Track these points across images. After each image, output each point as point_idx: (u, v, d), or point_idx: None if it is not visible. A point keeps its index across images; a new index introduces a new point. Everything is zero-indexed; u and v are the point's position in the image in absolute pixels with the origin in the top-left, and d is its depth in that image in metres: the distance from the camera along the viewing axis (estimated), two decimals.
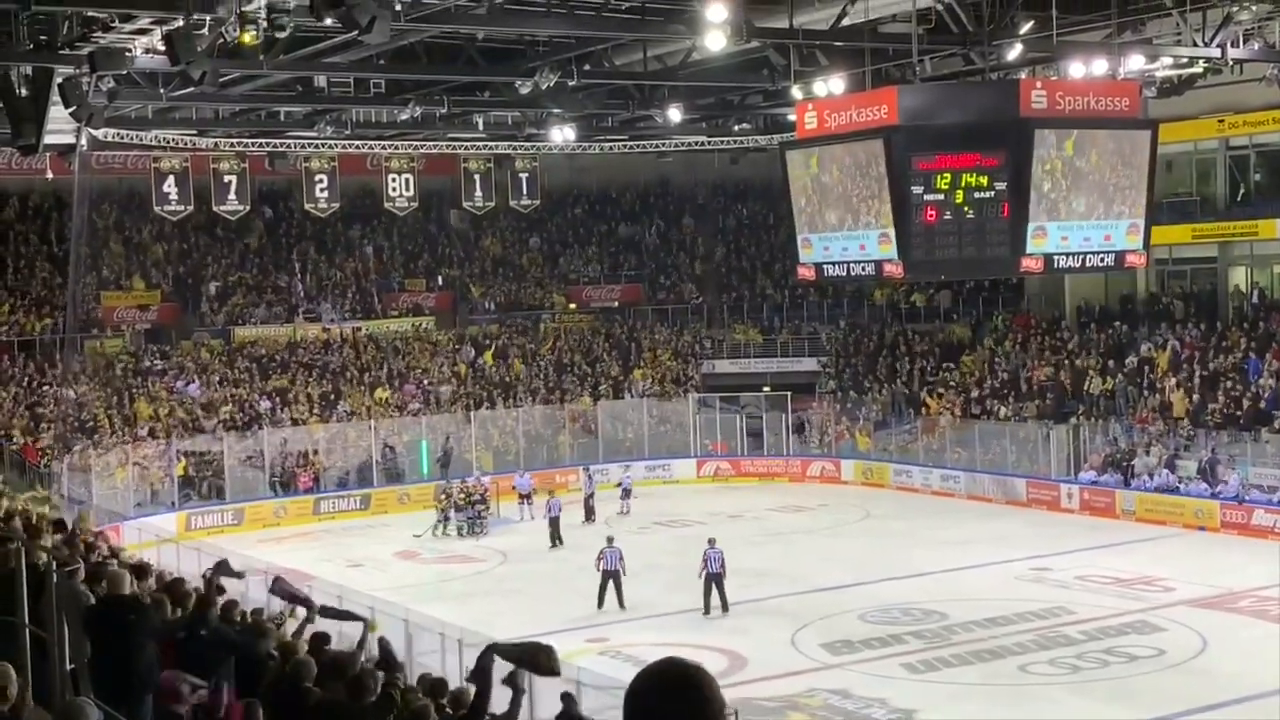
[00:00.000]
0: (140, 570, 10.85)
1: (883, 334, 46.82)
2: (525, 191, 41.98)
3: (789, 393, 43.67)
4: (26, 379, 39.46)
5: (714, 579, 25.32)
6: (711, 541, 25.73)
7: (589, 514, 36.13)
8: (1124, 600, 25.91)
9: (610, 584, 26.01)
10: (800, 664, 22.59)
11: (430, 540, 34.38)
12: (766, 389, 44.57)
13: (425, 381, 44.36)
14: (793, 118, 30.10)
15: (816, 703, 20.50)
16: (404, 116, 31.63)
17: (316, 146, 36.76)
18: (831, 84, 25.58)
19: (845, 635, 24.17)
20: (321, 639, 9.30)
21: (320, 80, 29.26)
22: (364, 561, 32.07)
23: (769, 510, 37.16)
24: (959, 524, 34.00)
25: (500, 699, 8.85)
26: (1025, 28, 23.47)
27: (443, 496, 35.91)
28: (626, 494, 37.82)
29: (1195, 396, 36.39)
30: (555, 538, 33.05)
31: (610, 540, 26.64)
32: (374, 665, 8.32)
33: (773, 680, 21.56)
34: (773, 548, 31.46)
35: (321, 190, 38.89)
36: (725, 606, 25.38)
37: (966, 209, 21.20)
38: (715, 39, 21.21)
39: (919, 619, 25.02)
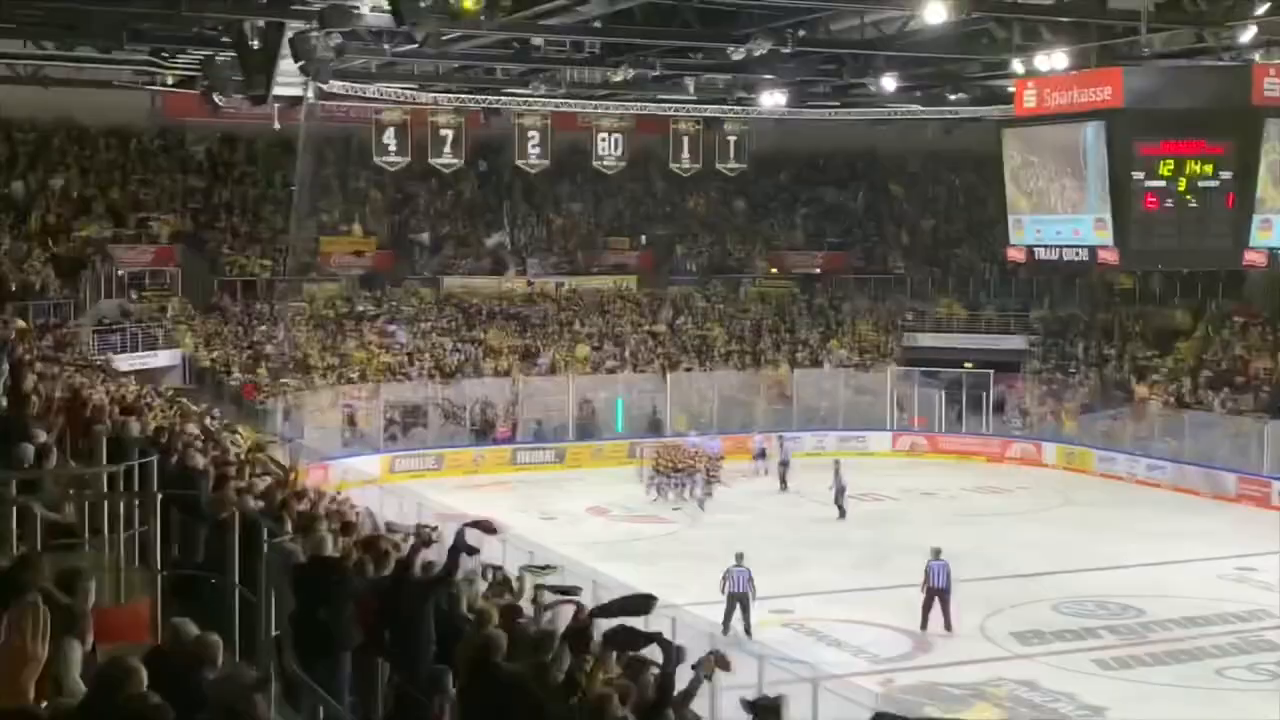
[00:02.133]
0: (346, 528, 11.24)
1: (1093, 315, 45.49)
2: (733, 154, 41.92)
3: (992, 370, 42.83)
4: (248, 318, 41.09)
5: (938, 594, 22.93)
6: (936, 552, 23.26)
7: (783, 483, 36.10)
8: None
9: (737, 608, 22.57)
10: (988, 651, 22.30)
11: (696, 510, 33.94)
12: (969, 365, 43.79)
13: (625, 340, 44.80)
14: (1012, 89, 29.36)
15: (1002, 693, 20.22)
16: (617, 78, 31.82)
17: (530, 104, 37.27)
18: (1054, 59, 24.81)
19: (1037, 625, 23.75)
20: (515, 610, 9.55)
21: (537, 40, 29.59)
22: (556, 515, 32.65)
23: (965, 490, 36.61)
24: (1162, 516, 32.97)
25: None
26: (1262, 9, 22.41)
27: (688, 461, 35.64)
28: (784, 465, 36.99)
29: None
30: (840, 507, 32.78)
31: (739, 558, 22.96)
32: (565, 640, 8.47)
33: (959, 666, 21.34)
34: (966, 529, 30.96)
35: (533, 147, 39.44)
36: (948, 624, 22.93)
37: (1189, 197, 20.38)
38: (935, 11, 20.80)
39: (1115, 613, 24.43)
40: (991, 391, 42.57)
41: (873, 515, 33.24)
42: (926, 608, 23.04)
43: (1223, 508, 34.50)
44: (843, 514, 32.84)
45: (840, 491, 33.07)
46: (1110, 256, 21.98)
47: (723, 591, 22.62)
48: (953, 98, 36.33)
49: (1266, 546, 29.27)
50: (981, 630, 23.40)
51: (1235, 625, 23.65)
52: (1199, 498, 35.58)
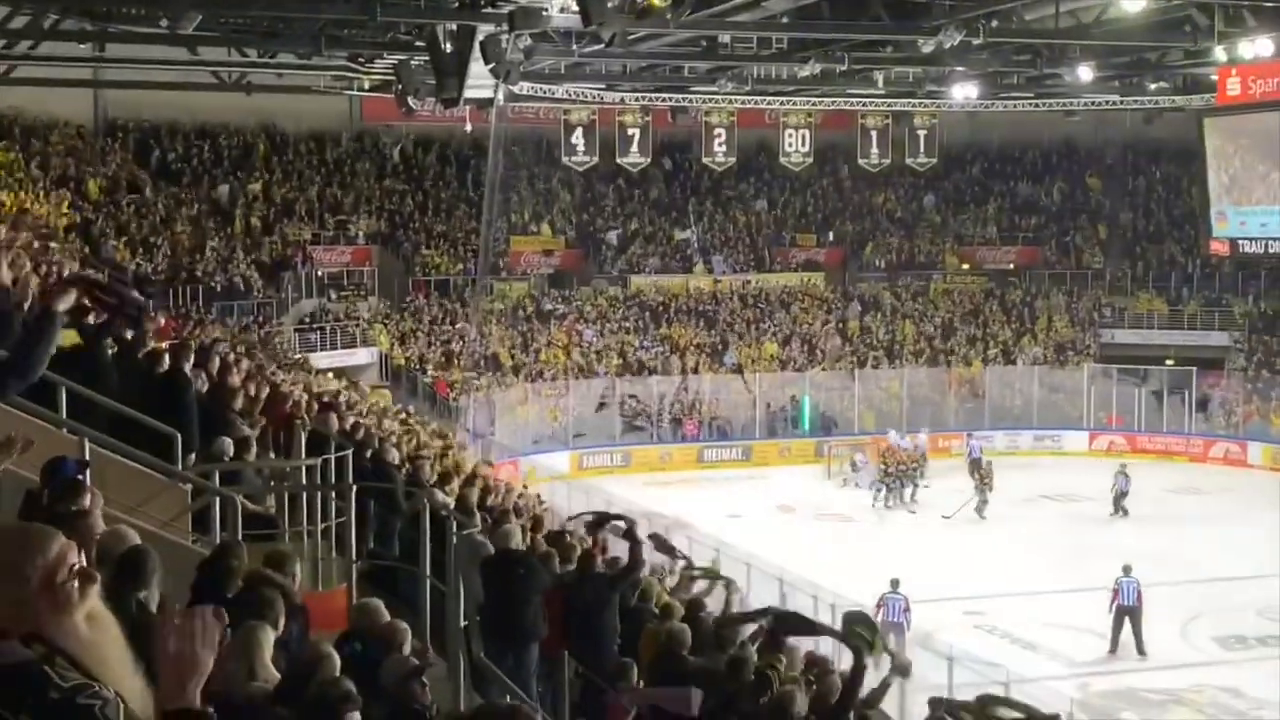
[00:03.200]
0: (537, 522, 11.40)
1: None
2: (922, 149, 41.40)
3: (1194, 368, 41.41)
4: (440, 316, 41.99)
5: (1128, 613, 21.77)
6: (1126, 569, 22.06)
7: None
8: None
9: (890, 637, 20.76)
10: (1189, 657, 21.60)
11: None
12: (1169, 362, 42.42)
13: (812, 337, 44.53)
14: (1215, 77, 28.36)
15: (1204, 699, 19.58)
16: (804, 73, 31.68)
17: (717, 101, 37.32)
18: (1259, 45, 23.90)
19: (1240, 630, 22.92)
20: (698, 605, 9.57)
21: (724, 37, 29.63)
22: (742, 513, 32.57)
23: (1165, 491, 35.38)
24: None
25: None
26: None
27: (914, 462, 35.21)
28: (974, 462, 35.65)
29: None
30: (1122, 509, 32.35)
31: (895, 585, 21.55)
32: (756, 638, 8.48)
33: (1158, 671, 20.70)
34: (1167, 530, 30.01)
35: (720, 144, 39.55)
36: (1140, 648, 21.70)
37: None
38: None
39: None
40: (1194, 389, 41.14)
41: (1070, 516, 32.41)
42: (1116, 628, 21.92)
43: None
44: (1121, 511, 32.38)
45: (1122, 494, 32.48)
46: None
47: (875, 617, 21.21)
48: (1153, 87, 35.28)
49: None
50: (1182, 634, 22.65)
51: None
52: None
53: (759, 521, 31.59)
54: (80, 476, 6.21)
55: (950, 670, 15.82)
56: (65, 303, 5.50)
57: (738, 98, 36.49)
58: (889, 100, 38.40)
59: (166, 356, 10.42)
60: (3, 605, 2.72)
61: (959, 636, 21.43)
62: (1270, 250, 22.40)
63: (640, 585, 9.74)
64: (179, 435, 8.90)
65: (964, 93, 35.31)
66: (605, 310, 44.33)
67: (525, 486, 23.45)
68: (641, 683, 7.84)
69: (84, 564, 2.81)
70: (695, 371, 42.08)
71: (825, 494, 35.24)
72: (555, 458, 37.03)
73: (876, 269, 48.60)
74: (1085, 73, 31.30)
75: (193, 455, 9.29)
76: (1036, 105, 38.66)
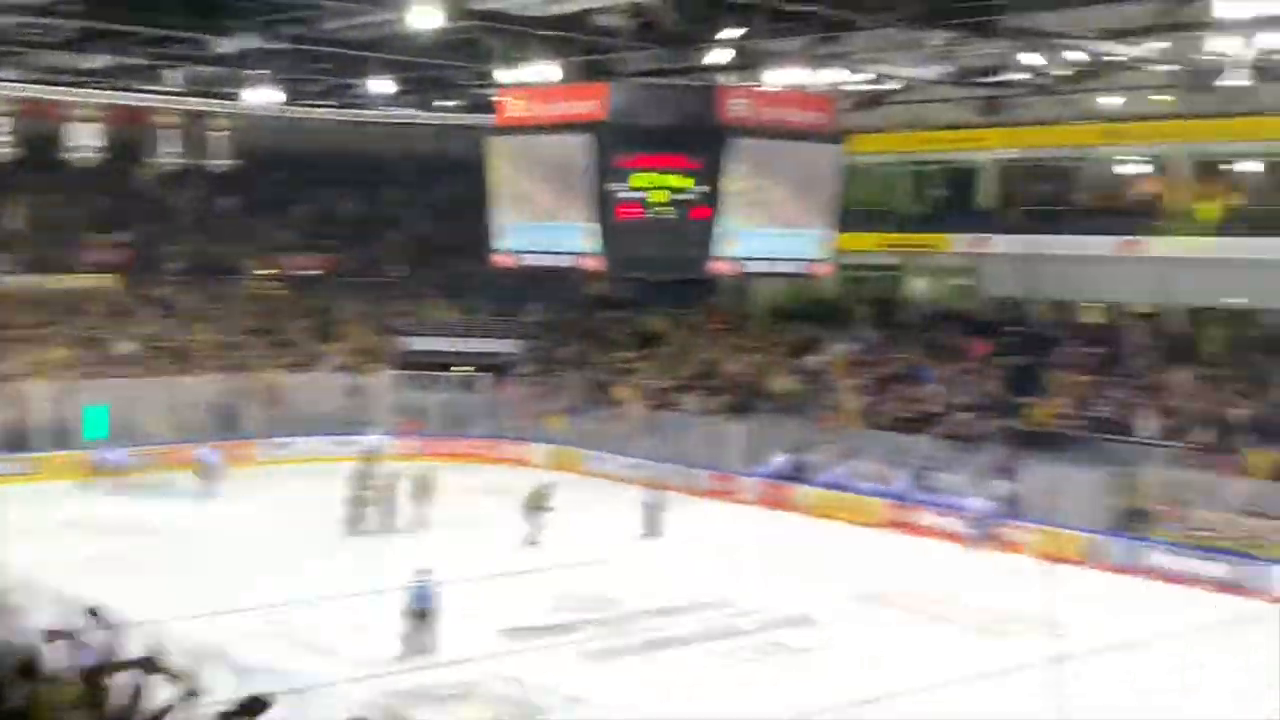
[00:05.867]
0: None
1: (581, 320, 47.32)
2: (222, 151, 40.70)
3: (487, 373, 44.11)
4: None
5: (423, 614, 22.07)
6: (423, 572, 22.43)
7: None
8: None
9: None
10: (478, 650, 22.43)
11: None
12: (470, 369, 44.89)
13: (106, 342, 42.40)
14: (499, 98, 29.94)
15: (491, 690, 20.47)
16: (93, 65, 30.23)
17: None
18: (541, 70, 25.56)
19: (530, 620, 24.26)
20: None
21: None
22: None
23: (470, 491, 36.56)
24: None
25: None
26: (729, 34, 24.00)
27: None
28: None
29: (869, 399, 38.03)
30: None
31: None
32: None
33: (448, 667, 21.42)
34: (466, 529, 31.28)
35: (2, 135, 36.79)
36: (430, 647, 22.11)
37: (662, 209, 21.59)
38: (424, 16, 20.97)
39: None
40: (488, 394, 43.76)
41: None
42: (410, 629, 22.23)
43: (697, 501, 36.43)
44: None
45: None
46: (595, 264, 22.93)
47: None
48: (449, 104, 36.82)
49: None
50: (470, 630, 23.59)
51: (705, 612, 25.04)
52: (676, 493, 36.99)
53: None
54: None
55: (245, 684, 15.52)
56: None
57: (20, 86, 34.08)
58: (186, 99, 37.35)
59: None
60: None
61: (259, 646, 21.05)
62: (553, 265, 24.14)
63: None
64: None
65: (264, 97, 35.00)
66: None
67: None
68: None
69: None
70: None
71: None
72: None
73: (175, 272, 47.06)
74: (384, 85, 32.05)
75: None
76: (340, 115, 39.08)
